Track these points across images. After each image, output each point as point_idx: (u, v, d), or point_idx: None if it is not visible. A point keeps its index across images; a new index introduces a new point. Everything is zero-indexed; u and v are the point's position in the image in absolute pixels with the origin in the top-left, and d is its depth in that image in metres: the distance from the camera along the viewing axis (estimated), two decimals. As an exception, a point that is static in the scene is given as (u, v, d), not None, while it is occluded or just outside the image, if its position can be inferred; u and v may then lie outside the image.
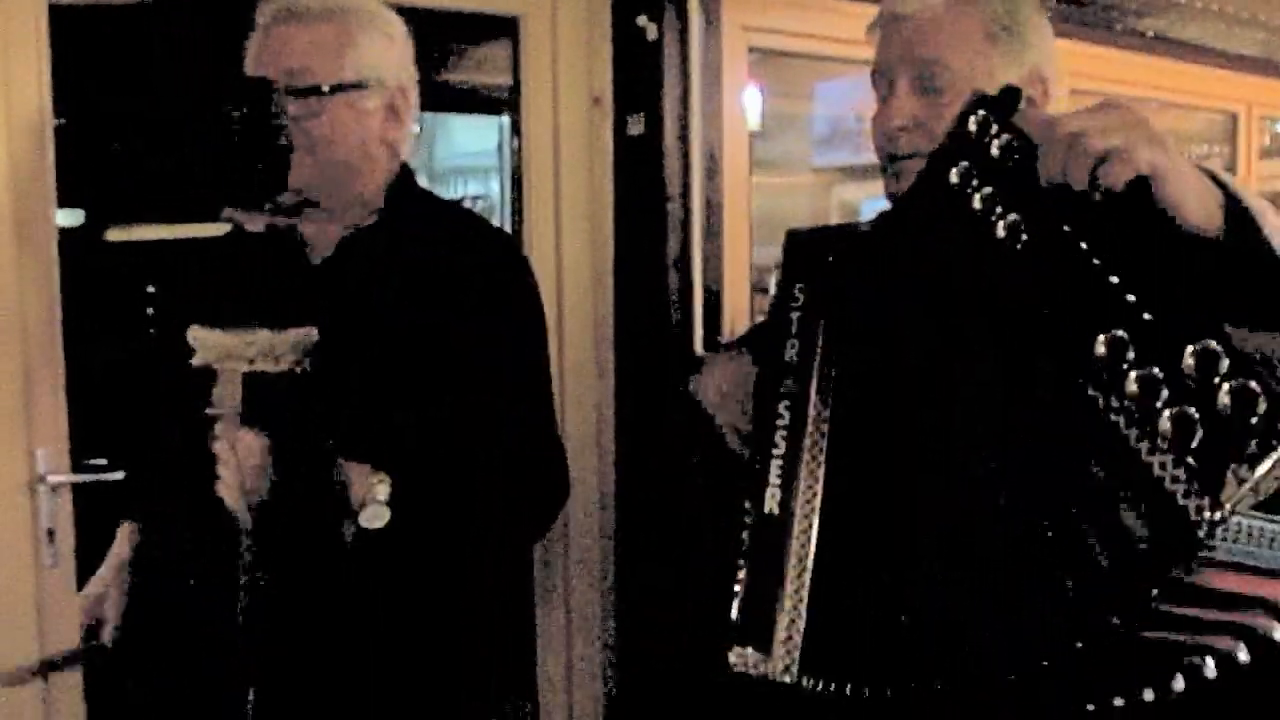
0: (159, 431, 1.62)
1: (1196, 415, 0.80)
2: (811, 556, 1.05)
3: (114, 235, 3.02)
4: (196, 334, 1.34)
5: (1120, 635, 0.86)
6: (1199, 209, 0.89)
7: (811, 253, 1.18)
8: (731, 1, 2.42)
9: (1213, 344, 0.80)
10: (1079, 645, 0.87)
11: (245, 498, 1.31)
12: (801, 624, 1.04)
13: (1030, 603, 0.91)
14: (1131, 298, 0.87)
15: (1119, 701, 0.89)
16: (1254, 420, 0.78)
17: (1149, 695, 0.88)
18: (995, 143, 0.98)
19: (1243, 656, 0.85)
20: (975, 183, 0.99)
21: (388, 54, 1.48)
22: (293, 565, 1.39)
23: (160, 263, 2.62)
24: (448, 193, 6.39)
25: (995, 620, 0.94)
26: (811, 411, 1.09)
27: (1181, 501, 0.80)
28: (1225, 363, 0.80)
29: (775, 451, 1.09)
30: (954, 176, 1.01)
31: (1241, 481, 0.78)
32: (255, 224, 1.43)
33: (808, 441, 1.08)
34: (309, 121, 1.42)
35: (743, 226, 2.53)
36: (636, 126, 2.39)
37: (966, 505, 0.98)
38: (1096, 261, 0.90)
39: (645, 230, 2.40)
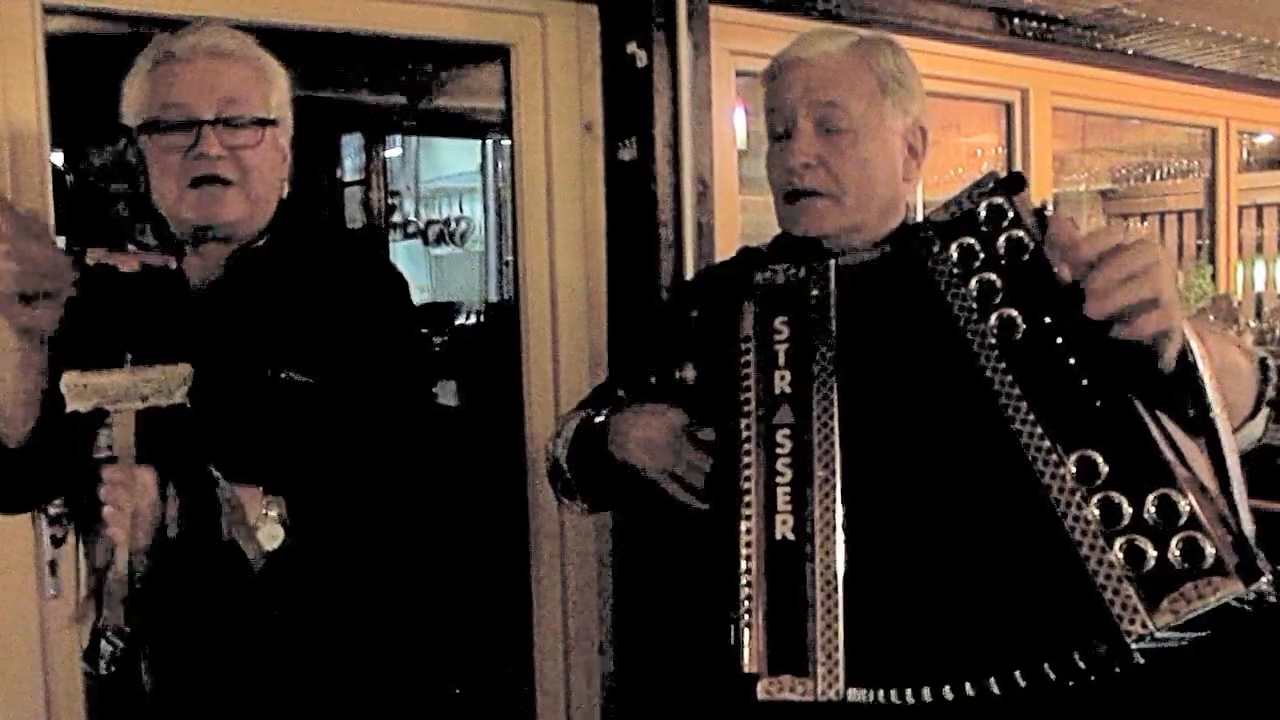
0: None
1: (1149, 548, 0.95)
2: (840, 573, 1.07)
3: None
4: (78, 380, 1.29)
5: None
6: (1175, 351, 1.01)
7: (782, 291, 1.22)
8: (720, 28, 2.46)
9: (1173, 494, 0.95)
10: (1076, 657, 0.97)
11: (138, 539, 1.29)
12: (840, 640, 1.06)
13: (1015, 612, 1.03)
14: (1113, 426, 0.99)
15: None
16: (1199, 569, 0.93)
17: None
18: (1005, 235, 1.07)
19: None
20: (976, 264, 1.08)
21: (287, 97, 1.54)
22: (195, 604, 1.39)
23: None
24: (433, 213, 6.51)
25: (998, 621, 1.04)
26: (817, 437, 1.12)
27: (1117, 612, 0.94)
28: (1186, 511, 0.95)
29: (780, 480, 1.11)
30: (954, 252, 1.09)
31: (1175, 613, 0.92)
32: (129, 264, 1.46)
33: (817, 466, 1.10)
34: (246, 152, 1.45)
35: (733, 247, 2.54)
36: (628, 152, 2.41)
37: (982, 523, 1.06)
38: (1085, 381, 1.00)
39: (638, 254, 2.42)
